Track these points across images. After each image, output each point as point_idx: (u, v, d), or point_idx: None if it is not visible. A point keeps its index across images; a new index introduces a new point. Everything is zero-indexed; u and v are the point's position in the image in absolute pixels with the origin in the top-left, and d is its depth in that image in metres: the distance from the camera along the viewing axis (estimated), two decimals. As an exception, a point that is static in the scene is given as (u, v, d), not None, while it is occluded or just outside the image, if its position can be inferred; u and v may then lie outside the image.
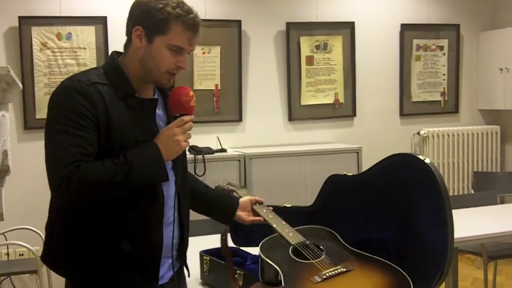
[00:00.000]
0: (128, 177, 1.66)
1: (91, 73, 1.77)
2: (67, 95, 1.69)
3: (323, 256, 1.91)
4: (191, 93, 1.80)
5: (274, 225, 2.07)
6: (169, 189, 1.86)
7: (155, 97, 1.88)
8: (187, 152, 2.21)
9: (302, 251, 1.95)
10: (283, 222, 2.09)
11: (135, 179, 1.68)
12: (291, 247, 1.97)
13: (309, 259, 1.90)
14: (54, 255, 1.83)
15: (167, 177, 1.76)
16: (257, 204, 2.21)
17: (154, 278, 1.84)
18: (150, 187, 1.78)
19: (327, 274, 1.81)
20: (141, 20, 1.75)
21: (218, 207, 2.16)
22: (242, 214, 2.14)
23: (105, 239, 1.75)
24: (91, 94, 1.69)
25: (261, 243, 2.02)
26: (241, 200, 2.17)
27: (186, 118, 1.77)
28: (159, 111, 1.87)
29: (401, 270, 1.87)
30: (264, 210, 2.16)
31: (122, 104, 1.75)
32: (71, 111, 1.67)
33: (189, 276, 2.06)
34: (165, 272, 1.89)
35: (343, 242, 2.07)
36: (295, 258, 1.92)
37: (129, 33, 1.80)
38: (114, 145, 1.71)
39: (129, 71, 1.80)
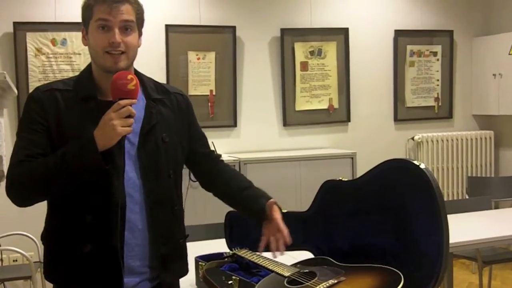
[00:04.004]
0: (61, 168, 1.68)
1: (57, 81, 1.87)
2: (26, 104, 1.82)
3: (316, 278, 1.94)
4: (129, 76, 1.71)
5: (265, 264, 2.11)
6: (135, 194, 1.81)
7: None
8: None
9: (297, 279, 1.97)
10: (271, 259, 2.12)
11: (69, 167, 1.67)
12: (286, 279, 1.99)
13: (303, 284, 1.93)
14: (46, 264, 1.88)
15: (101, 164, 1.68)
16: (238, 248, 2.29)
17: (117, 285, 1.79)
18: (102, 189, 1.74)
19: None
20: (82, 22, 1.84)
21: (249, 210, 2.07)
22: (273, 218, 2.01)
23: (73, 243, 1.78)
24: (43, 100, 1.79)
25: (257, 285, 2.02)
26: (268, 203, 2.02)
27: (122, 102, 1.67)
28: None
29: (391, 268, 1.88)
30: (249, 254, 2.18)
31: (83, 107, 1.79)
32: (26, 117, 1.80)
33: None
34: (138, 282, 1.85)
35: (335, 262, 2.08)
36: (290, 287, 1.94)
37: None
38: None
39: (95, 74, 1.85)
